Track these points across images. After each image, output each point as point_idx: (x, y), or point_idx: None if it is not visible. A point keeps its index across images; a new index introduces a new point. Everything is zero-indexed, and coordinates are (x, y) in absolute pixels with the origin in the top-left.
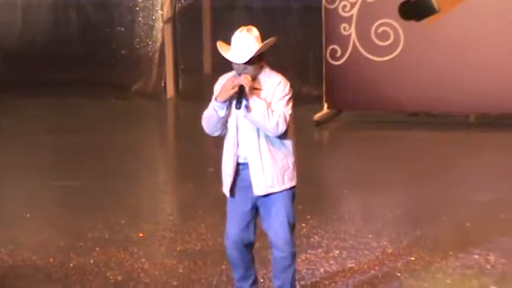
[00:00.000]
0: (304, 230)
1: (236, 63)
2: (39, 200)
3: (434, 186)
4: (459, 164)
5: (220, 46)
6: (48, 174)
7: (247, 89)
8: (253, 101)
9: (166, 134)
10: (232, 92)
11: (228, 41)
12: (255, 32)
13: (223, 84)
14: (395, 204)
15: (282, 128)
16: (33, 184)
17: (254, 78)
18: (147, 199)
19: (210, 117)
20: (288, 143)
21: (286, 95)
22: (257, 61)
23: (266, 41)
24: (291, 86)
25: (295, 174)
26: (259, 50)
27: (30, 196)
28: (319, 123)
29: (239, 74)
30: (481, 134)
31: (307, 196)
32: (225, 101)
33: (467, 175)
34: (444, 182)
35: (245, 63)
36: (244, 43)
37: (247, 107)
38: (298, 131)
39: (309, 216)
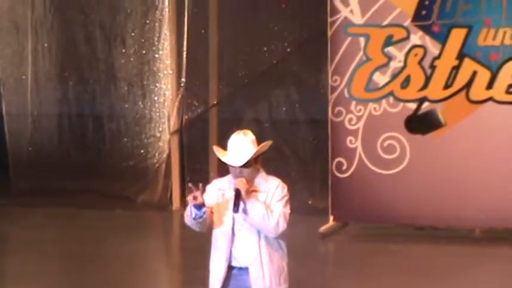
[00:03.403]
0: None
1: (233, 166)
2: None
3: None
4: (464, 279)
5: (217, 150)
6: (52, 284)
7: (243, 192)
8: (251, 203)
9: (171, 245)
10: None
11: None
12: (250, 135)
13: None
14: None
15: (282, 226)
16: None
17: (250, 181)
18: None
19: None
20: (283, 244)
21: (285, 196)
22: (253, 164)
23: (262, 144)
24: (288, 190)
25: (287, 277)
26: (255, 153)
27: None
28: (325, 236)
29: (235, 177)
30: (487, 249)
31: None
32: (200, 207)
33: None
34: None
35: (242, 166)
36: (240, 146)
37: (244, 211)
38: (304, 243)
39: None
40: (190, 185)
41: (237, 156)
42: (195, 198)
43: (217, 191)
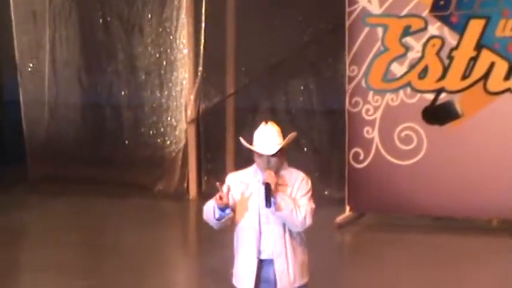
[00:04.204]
0: None
1: (263, 155)
2: None
3: None
4: (480, 271)
5: (244, 141)
6: (69, 273)
7: (273, 186)
8: (280, 197)
9: (187, 235)
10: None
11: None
12: (276, 126)
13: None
14: None
15: (309, 221)
16: (54, 283)
17: (276, 173)
18: None
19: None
20: (305, 238)
21: (309, 190)
22: (281, 155)
23: (290, 135)
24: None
25: (308, 271)
26: (286, 142)
27: None
28: (341, 226)
29: (264, 169)
30: (504, 239)
31: None
32: (224, 208)
33: (489, 282)
34: None
35: (272, 156)
36: (270, 136)
37: (275, 204)
38: (320, 233)
39: None
40: (217, 184)
41: (267, 145)
42: (221, 198)
43: (240, 184)
